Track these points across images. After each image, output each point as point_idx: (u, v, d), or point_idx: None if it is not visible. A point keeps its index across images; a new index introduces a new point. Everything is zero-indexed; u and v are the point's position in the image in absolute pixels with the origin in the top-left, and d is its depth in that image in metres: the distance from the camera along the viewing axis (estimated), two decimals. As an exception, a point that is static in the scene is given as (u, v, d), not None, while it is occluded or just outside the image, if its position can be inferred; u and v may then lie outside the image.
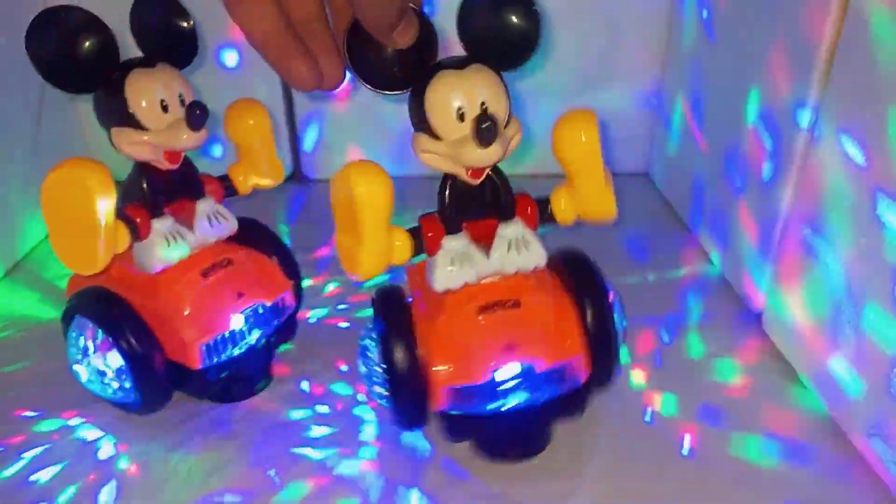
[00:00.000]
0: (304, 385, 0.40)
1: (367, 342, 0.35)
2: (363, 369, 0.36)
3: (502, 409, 0.31)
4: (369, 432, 0.36)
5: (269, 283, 0.38)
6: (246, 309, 0.37)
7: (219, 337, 0.36)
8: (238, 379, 0.38)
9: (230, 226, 0.37)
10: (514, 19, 0.29)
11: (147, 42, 0.34)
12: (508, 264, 0.31)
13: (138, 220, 0.34)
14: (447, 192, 0.31)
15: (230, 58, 0.62)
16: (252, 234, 0.39)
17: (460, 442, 0.34)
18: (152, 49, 0.34)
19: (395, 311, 0.33)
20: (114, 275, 0.35)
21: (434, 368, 0.31)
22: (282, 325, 0.39)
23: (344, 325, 0.45)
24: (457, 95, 0.28)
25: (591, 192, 0.31)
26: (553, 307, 0.32)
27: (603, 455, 0.34)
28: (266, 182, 0.39)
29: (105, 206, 0.31)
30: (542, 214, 0.32)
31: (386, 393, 0.34)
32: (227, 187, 0.38)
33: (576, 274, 0.33)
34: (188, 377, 0.36)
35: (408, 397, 0.32)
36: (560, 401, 0.32)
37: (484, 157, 0.28)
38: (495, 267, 0.31)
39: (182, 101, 0.33)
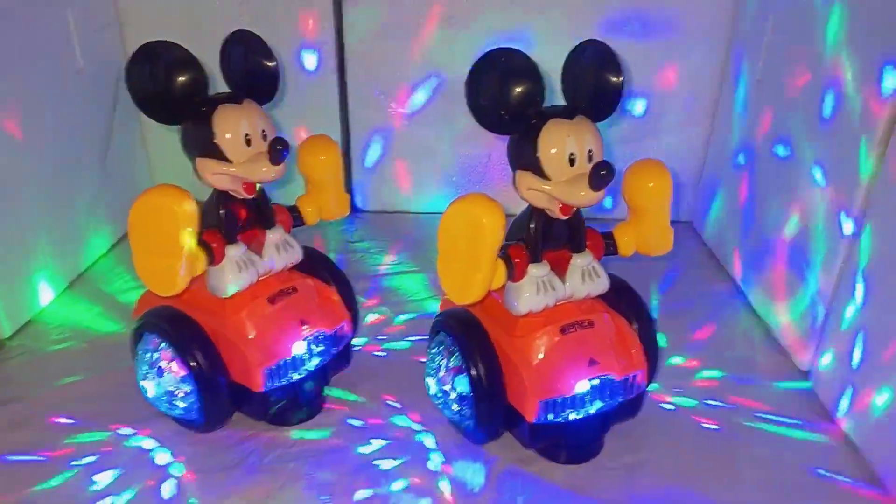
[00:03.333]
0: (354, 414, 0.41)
1: (440, 362, 0.37)
2: (434, 390, 0.38)
3: (582, 416, 0.35)
4: (436, 459, 0.38)
5: (329, 312, 0.39)
6: (308, 336, 0.37)
7: (281, 362, 0.36)
8: (296, 404, 0.39)
9: (297, 255, 0.38)
10: (612, 77, 0.33)
11: (234, 79, 0.35)
12: (581, 290, 0.35)
13: (214, 245, 0.35)
14: (534, 225, 0.34)
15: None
16: (314, 264, 0.41)
17: (536, 448, 0.37)
18: (238, 85, 0.35)
19: (476, 334, 0.35)
20: (184, 296, 0.35)
21: (526, 384, 0.34)
22: (339, 354, 0.40)
23: (380, 353, 0.47)
24: (570, 142, 0.32)
25: (654, 230, 0.36)
26: (617, 326, 0.36)
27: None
28: (333, 215, 0.40)
29: (189, 233, 0.32)
30: (607, 247, 0.36)
31: (459, 409, 0.37)
32: (295, 218, 0.39)
33: (625, 299, 0.38)
34: (249, 398, 0.37)
35: (493, 412, 0.35)
36: (622, 406, 0.36)
37: (593, 198, 0.32)
38: (569, 293, 0.35)
39: (264, 136, 0.34)
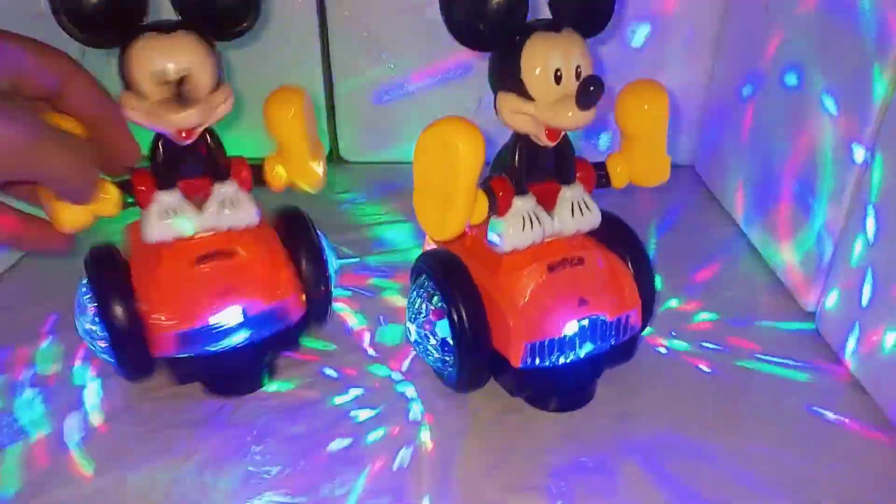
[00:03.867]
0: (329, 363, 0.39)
1: (420, 306, 0.35)
2: (415, 336, 0.36)
3: (571, 360, 0.32)
4: (416, 409, 0.36)
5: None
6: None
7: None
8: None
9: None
10: (603, -14, 0.30)
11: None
12: (570, 225, 0.33)
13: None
14: (518, 154, 0.32)
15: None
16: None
17: (525, 395, 0.35)
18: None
19: (458, 275, 0.33)
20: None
21: (511, 326, 0.32)
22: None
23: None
24: (556, 57, 0.29)
25: (649, 158, 0.33)
26: (610, 264, 0.34)
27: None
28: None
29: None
30: (599, 179, 0.34)
31: (441, 356, 0.34)
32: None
33: (618, 235, 0.35)
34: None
35: (476, 357, 0.33)
36: (615, 350, 0.34)
37: (581, 119, 0.29)
38: (557, 228, 0.33)
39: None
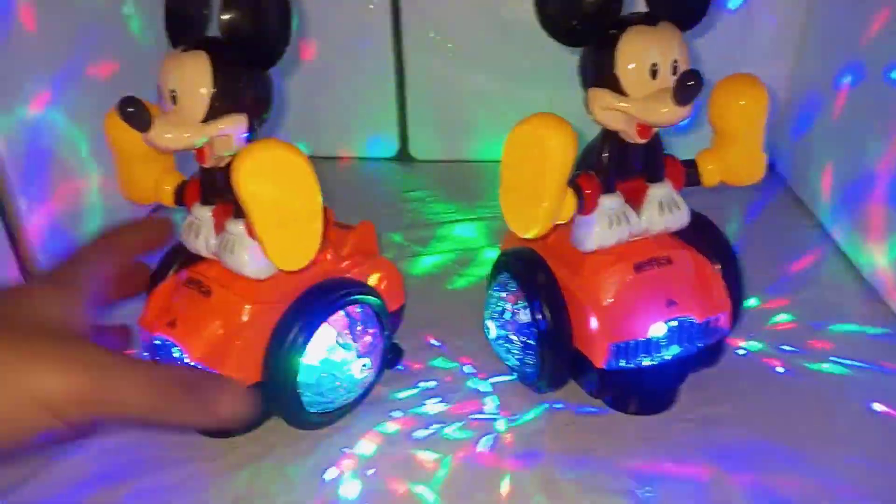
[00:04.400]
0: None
1: (501, 305, 0.34)
2: (495, 334, 0.35)
3: (658, 362, 0.32)
4: (490, 403, 0.36)
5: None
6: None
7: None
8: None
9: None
10: (700, -22, 0.29)
11: None
12: (658, 224, 0.32)
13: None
14: (607, 151, 0.31)
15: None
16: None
17: (606, 397, 0.34)
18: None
19: (540, 273, 0.33)
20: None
21: (595, 326, 0.31)
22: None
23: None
24: (652, 52, 0.28)
25: (744, 156, 0.32)
26: (697, 264, 0.33)
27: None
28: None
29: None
30: (689, 176, 0.33)
31: (521, 355, 0.34)
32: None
33: (705, 235, 0.34)
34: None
35: (558, 357, 0.32)
36: (701, 353, 0.33)
37: (678, 114, 0.28)
38: (644, 227, 0.32)
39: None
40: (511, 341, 0.34)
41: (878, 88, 0.44)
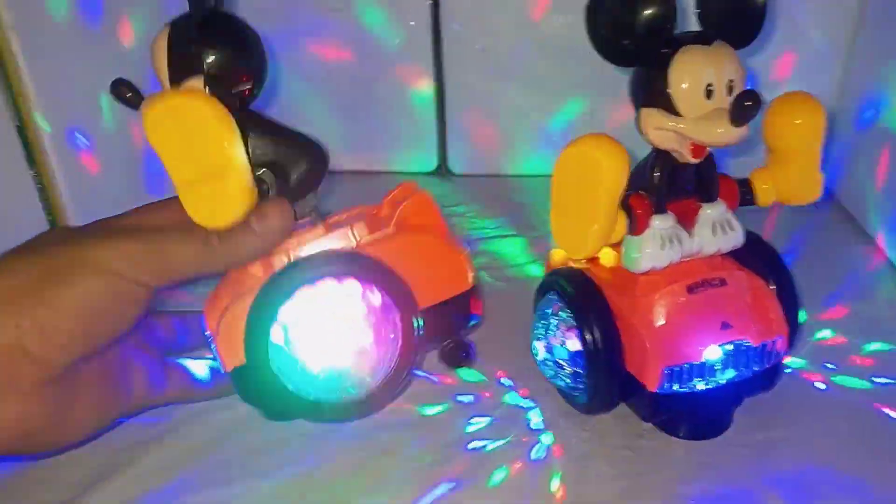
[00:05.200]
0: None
1: (550, 325, 0.34)
2: (543, 356, 0.35)
3: (712, 387, 0.31)
4: (536, 420, 0.36)
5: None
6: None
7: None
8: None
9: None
10: (755, -4, 0.28)
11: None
12: (711, 245, 0.31)
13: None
14: (658, 171, 0.31)
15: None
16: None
17: (657, 420, 0.34)
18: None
19: (591, 295, 0.32)
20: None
21: (647, 349, 0.30)
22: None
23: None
24: (708, 72, 0.28)
25: (800, 176, 0.31)
26: (753, 286, 0.32)
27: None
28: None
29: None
30: (743, 196, 0.32)
31: (571, 377, 0.34)
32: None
33: (759, 255, 0.34)
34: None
35: (609, 380, 0.32)
36: (756, 377, 0.32)
37: (733, 135, 0.28)
38: (697, 247, 0.31)
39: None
40: (560, 363, 0.34)
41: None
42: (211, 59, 0.27)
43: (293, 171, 0.29)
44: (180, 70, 0.27)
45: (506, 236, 0.55)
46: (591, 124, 0.62)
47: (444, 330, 0.33)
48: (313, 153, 0.30)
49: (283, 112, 0.31)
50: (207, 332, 0.31)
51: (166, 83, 0.28)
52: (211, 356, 0.32)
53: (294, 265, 0.30)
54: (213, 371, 0.34)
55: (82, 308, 0.25)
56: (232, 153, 0.26)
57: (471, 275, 0.33)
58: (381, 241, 0.31)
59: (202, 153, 0.26)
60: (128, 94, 0.28)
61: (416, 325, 0.32)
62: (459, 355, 0.34)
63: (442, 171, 0.66)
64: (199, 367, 0.34)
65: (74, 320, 0.25)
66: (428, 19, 0.60)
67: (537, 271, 0.50)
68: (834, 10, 0.55)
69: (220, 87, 0.27)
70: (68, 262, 0.25)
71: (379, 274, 0.31)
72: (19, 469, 0.34)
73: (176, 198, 0.28)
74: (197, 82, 0.27)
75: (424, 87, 0.62)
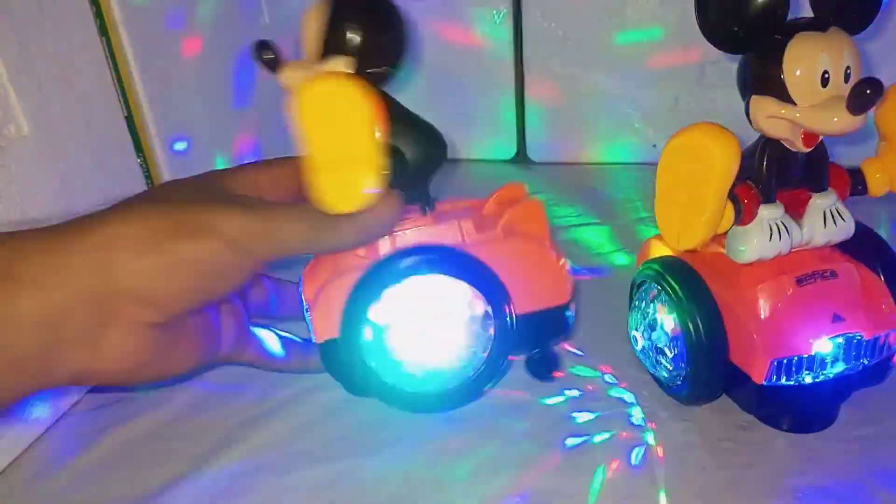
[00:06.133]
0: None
1: (651, 316, 0.34)
2: (642, 345, 0.35)
3: (820, 380, 0.31)
4: (637, 414, 0.36)
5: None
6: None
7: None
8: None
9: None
10: (872, -21, 0.28)
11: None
12: (821, 235, 0.31)
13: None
14: (767, 160, 0.30)
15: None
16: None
17: (760, 413, 0.33)
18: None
19: (695, 284, 0.32)
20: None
21: (756, 340, 0.30)
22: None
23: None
24: (824, 58, 0.27)
25: (915, 163, 0.30)
26: (863, 278, 0.31)
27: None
28: None
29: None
30: (854, 185, 0.31)
31: (672, 368, 0.33)
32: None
33: (868, 247, 0.33)
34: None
35: (713, 371, 0.31)
36: (866, 370, 0.32)
37: (850, 124, 0.27)
38: (806, 238, 0.31)
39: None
40: (660, 352, 0.34)
41: None
42: (367, 42, 0.28)
43: (413, 157, 0.29)
44: (332, 48, 0.28)
45: (589, 224, 0.55)
46: (675, 112, 0.61)
47: (535, 340, 0.34)
48: (434, 141, 0.30)
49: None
50: (304, 301, 0.32)
51: (311, 56, 0.29)
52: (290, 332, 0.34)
53: (409, 252, 0.30)
54: (288, 345, 0.35)
55: (200, 268, 0.27)
56: (377, 144, 0.26)
57: (569, 288, 0.33)
58: (490, 244, 0.32)
59: (348, 140, 0.26)
60: (268, 55, 0.29)
61: (509, 326, 0.32)
62: (545, 367, 0.34)
63: (521, 158, 0.66)
64: (273, 342, 0.35)
65: (191, 277, 0.27)
66: (509, 3, 0.60)
67: (623, 260, 0.49)
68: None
69: (367, 68, 0.28)
70: (195, 224, 0.26)
71: (487, 281, 0.31)
72: (138, 444, 0.36)
73: (275, 161, 0.29)
74: (341, 62, 0.28)
75: (504, 73, 0.63)
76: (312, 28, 0.28)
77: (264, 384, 0.39)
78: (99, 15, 0.40)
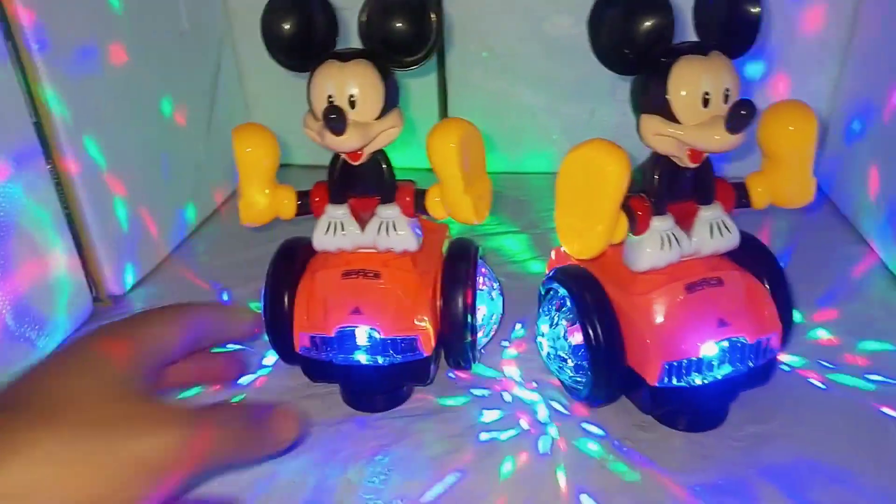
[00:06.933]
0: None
1: (553, 322, 0.35)
2: (547, 350, 0.36)
3: (709, 381, 0.32)
4: (542, 411, 0.37)
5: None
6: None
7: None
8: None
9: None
10: (750, 7, 0.30)
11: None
12: (708, 246, 0.33)
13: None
14: (658, 174, 0.32)
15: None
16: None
17: (657, 413, 0.35)
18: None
19: (594, 292, 0.33)
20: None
21: (649, 344, 0.32)
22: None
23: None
24: (705, 81, 0.29)
25: (794, 180, 0.33)
26: (748, 285, 0.34)
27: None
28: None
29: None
30: (739, 199, 0.34)
31: (574, 372, 0.35)
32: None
33: (754, 255, 0.35)
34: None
35: (612, 374, 0.33)
36: (752, 372, 0.34)
37: (729, 142, 0.29)
38: (695, 248, 0.33)
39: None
40: (563, 358, 0.35)
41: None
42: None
43: None
44: (390, 104, 0.33)
45: (510, 233, 0.56)
46: (591, 124, 0.63)
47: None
48: None
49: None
50: (378, 335, 0.34)
51: (374, 114, 0.32)
52: None
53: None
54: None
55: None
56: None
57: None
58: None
59: (478, 163, 0.34)
60: (338, 118, 0.31)
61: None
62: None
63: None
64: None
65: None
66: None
67: (539, 267, 0.51)
68: (829, 15, 0.56)
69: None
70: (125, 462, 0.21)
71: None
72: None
73: (170, 315, 0.26)
74: (400, 112, 0.34)
75: (428, 84, 0.64)
76: (368, 85, 0.32)
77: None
78: (3, 17, 0.39)
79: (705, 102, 0.29)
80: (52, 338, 0.43)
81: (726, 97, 0.29)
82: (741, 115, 0.28)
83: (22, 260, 0.41)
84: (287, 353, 0.36)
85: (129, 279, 0.50)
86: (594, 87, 0.61)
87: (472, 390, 0.39)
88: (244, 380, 0.40)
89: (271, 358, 0.41)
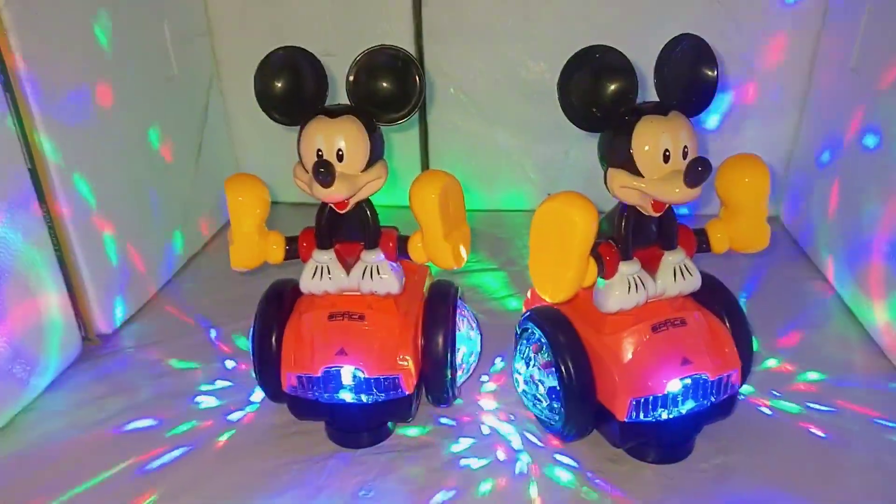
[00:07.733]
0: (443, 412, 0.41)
1: (528, 359, 0.37)
2: (522, 387, 0.38)
3: (674, 416, 0.34)
4: (523, 459, 0.38)
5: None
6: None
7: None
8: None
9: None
10: (707, 71, 0.32)
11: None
12: (672, 288, 0.35)
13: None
14: (625, 223, 0.34)
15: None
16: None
17: (625, 447, 0.37)
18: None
19: (566, 331, 0.36)
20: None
21: (617, 382, 0.34)
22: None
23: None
24: (665, 139, 0.31)
25: (749, 227, 0.35)
26: (710, 325, 0.36)
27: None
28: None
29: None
30: (699, 244, 0.36)
31: (548, 407, 0.37)
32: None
33: (716, 296, 0.37)
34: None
35: (583, 410, 0.35)
36: (714, 407, 0.36)
37: (689, 195, 0.31)
38: (660, 290, 0.35)
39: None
40: (537, 395, 0.37)
41: (866, 158, 0.48)
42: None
43: None
44: (375, 156, 0.35)
45: (489, 270, 0.58)
46: (566, 164, 0.66)
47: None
48: None
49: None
50: (363, 375, 0.36)
51: (361, 166, 0.35)
52: None
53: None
54: None
55: None
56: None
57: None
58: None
59: (457, 210, 0.36)
60: (327, 172, 0.33)
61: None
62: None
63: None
64: None
65: None
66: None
67: (517, 304, 0.53)
68: (789, 63, 0.60)
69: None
70: None
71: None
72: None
73: None
74: (385, 164, 0.36)
75: (409, 125, 0.66)
76: (355, 140, 0.34)
77: (170, 425, 0.40)
78: (3, 70, 0.41)
79: (665, 158, 0.32)
80: (44, 377, 0.44)
81: (685, 153, 0.32)
82: (698, 171, 0.30)
83: (16, 303, 0.42)
84: (274, 391, 0.38)
85: (119, 315, 0.51)
86: (568, 129, 0.63)
87: (452, 424, 0.41)
88: (233, 416, 0.42)
89: (259, 394, 0.43)
